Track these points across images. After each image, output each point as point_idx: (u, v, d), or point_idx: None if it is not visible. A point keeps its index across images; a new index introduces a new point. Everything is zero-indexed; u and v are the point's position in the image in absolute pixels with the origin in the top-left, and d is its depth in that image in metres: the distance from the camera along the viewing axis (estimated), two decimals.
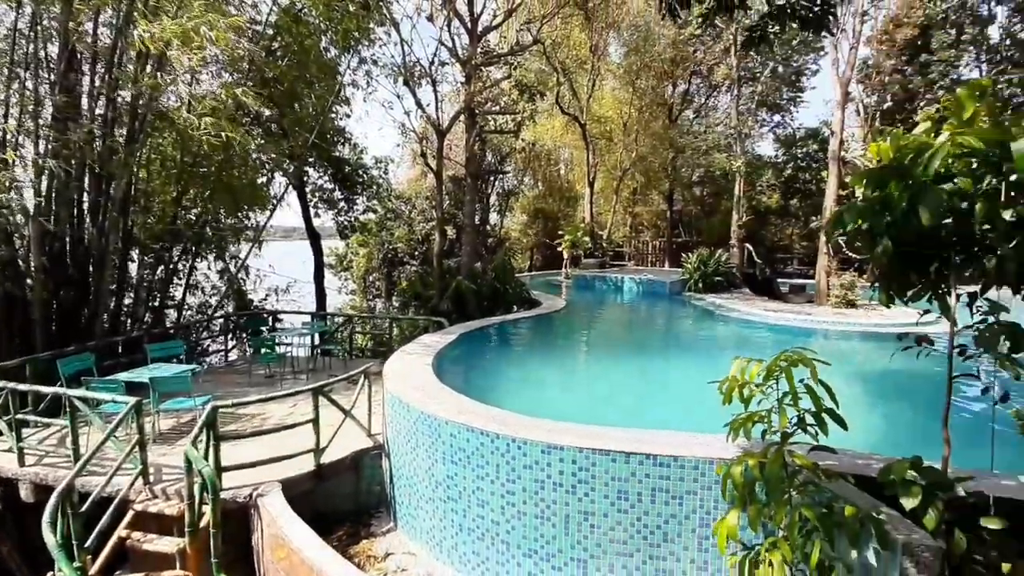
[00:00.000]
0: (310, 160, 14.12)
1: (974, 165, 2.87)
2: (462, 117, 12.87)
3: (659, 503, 3.73)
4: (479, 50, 12.72)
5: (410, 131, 13.34)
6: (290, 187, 13.59)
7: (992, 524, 2.39)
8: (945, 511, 2.43)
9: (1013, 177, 2.73)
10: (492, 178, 22.48)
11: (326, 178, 15.41)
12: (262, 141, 11.27)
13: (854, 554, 2.88)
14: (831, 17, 5.53)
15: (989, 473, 3.25)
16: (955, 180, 2.86)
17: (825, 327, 10.77)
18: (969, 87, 2.94)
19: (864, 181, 3.18)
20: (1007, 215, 2.72)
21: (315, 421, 5.29)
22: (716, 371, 3.21)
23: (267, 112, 11.37)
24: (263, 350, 8.52)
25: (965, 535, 2.44)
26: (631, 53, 21.41)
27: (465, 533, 4.45)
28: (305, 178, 14.76)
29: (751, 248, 18.09)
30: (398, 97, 12.39)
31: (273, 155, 11.27)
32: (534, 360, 9.27)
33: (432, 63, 12.08)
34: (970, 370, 2.89)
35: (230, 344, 11.20)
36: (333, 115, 13.76)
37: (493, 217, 24.62)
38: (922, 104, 19.53)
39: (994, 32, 20.61)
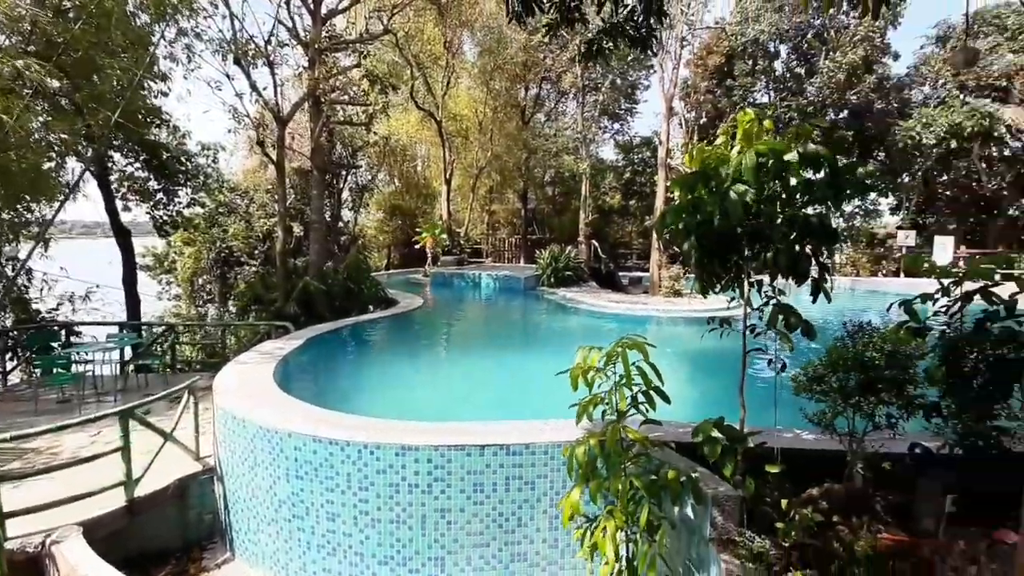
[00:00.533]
0: (115, 143, 11.95)
1: (759, 175, 3.41)
2: (306, 105, 11.97)
3: (513, 490, 3.86)
4: (324, 34, 11.92)
5: (244, 116, 12.00)
6: (89, 174, 11.36)
7: (773, 469, 2.89)
8: (740, 461, 2.88)
9: (793, 181, 3.34)
10: (343, 172, 21.29)
11: (138, 165, 13.13)
12: (49, 118, 9.25)
13: (676, 510, 3.29)
14: (654, 39, 6.20)
15: (774, 429, 3.93)
16: (748, 186, 3.40)
17: (658, 315, 12.21)
18: (751, 111, 3.49)
19: (679, 186, 3.63)
20: (781, 217, 3.32)
21: (124, 449, 4.49)
22: (569, 360, 3.40)
23: (55, 84, 9.35)
24: (55, 370, 7.04)
25: (754, 480, 2.91)
26: (485, 53, 21.92)
27: (314, 551, 4.15)
28: (109, 164, 12.45)
29: (596, 244, 19.73)
30: (228, 77, 11.00)
31: (64, 135, 9.31)
32: (391, 361, 9.02)
33: (268, 42, 11.01)
34: (760, 345, 3.45)
35: (8, 365, 9.05)
36: (145, 92, 11.80)
37: (346, 214, 23.39)
38: (728, 121, 23.12)
39: (779, 66, 25.08)
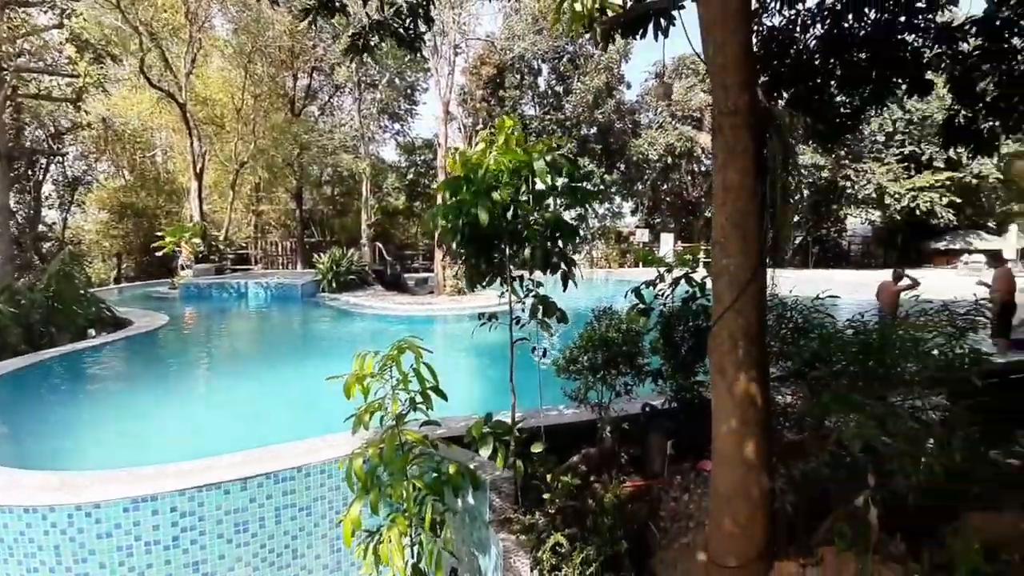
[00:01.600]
0: None
1: (513, 179, 3.69)
2: None
3: (285, 521, 3.46)
4: None
5: None
6: None
7: (536, 448, 3.16)
8: (510, 448, 3.08)
9: (538, 186, 3.69)
10: (42, 160, 16.52)
11: None
12: None
13: (460, 502, 3.37)
14: (422, 42, 6.26)
15: (540, 410, 4.33)
16: (504, 189, 3.65)
17: (444, 314, 12.53)
18: (503, 120, 3.76)
19: (445, 188, 3.71)
20: (534, 216, 3.66)
21: None
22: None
23: None
24: None
25: (524, 462, 3.15)
26: (241, 32, 19.41)
27: None
28: None
29: (381, 246, 19.33)
30: None
31: None
32: (122, 396, 7.24)
33: None
34: (525, 335, 3.73)
35: None
36: None
37: (51, 215, 18.20)
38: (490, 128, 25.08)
39: (542, 83, 28.10)
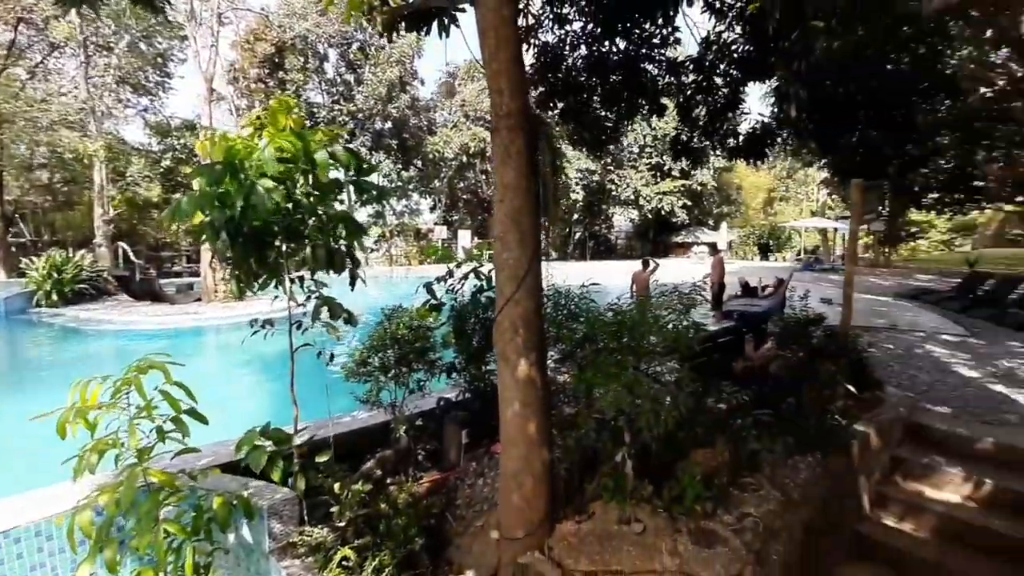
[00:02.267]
0: None
1: (291, 170, 3.35)
2: None
3: None
4: None
5: None
6: None
7: (322, 457, 2.95)
8: (291, 461, 2.81)
9: (320, 182, 3.41)
10: None
11: None
12: None
13: (232, 537, 2.95)
14: (167, 1, 5.27)
15: (331, 419, 4.06)
16: (283, 181, 3.29)
17: (216, 323, 10.86)
18: (279, 102, 3.39)
19: (201, 176, 3.18)
20: (318, 212, 3.38)
21: None
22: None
23: None
24: None
25: (308, 474, 2.90)
26: None
27: None
28: None
29: (126, 247, 15.86)
30: None
31: None
32: None
33: None
34: (309, 340, 3.43)
35: None
36: None
37: None
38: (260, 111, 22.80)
39: (330, 69, 26.37)
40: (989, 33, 9.02)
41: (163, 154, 21.12)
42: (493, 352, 4.59)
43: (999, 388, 5.76)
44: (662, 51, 6.98)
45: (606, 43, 6.83)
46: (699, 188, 35.04)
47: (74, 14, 15.72)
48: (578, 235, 36.58)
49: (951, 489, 4.17)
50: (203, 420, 2.73)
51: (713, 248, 16.30)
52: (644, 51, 6.89)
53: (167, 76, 22.68)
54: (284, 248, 3.37)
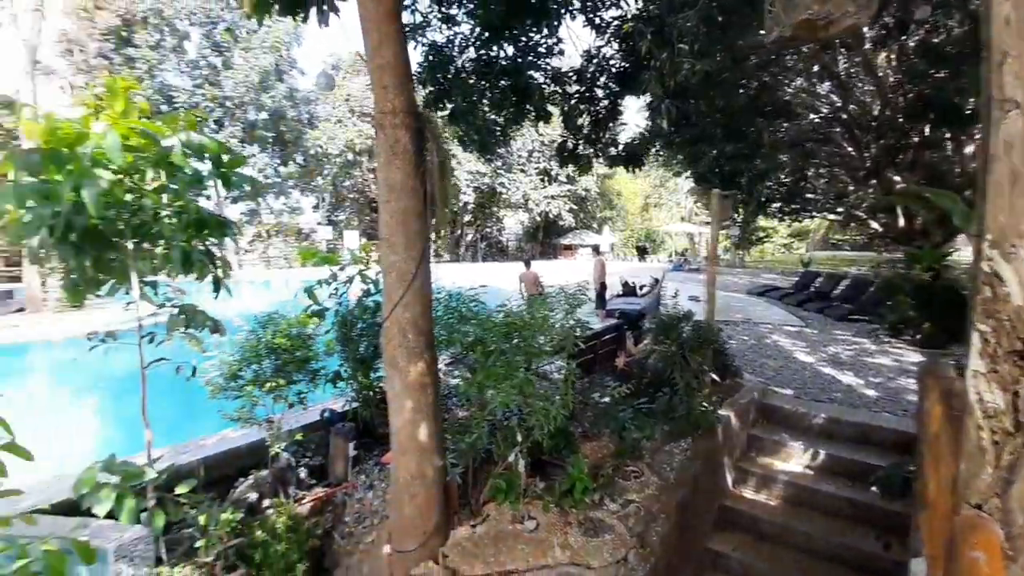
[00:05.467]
0: None
1: (137, 160, 2.93)
2: None
3: None
4: None
5: None
6: None
7: (182, 488, 2.61)
8: (144, 497, 2.45)
9: (184, 171, 3.01)
10: None
11: None
12: None
13: None
14: None
15: (195, 441, 3.64)
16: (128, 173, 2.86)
17: (47, 337, 9.18)
18: (115, 79, 2.95)
19: (16, 164, 2.66)
20: (171, 208, 2.99)
21: None
22: None
23: None
24: None
25: (167, 508, 2.55)
26: None
27: None
28: None
29: None
30: None
31: None
32: None
33: None
34: (163, 355, 3.02)
35: None
36: None
37: None
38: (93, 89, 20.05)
39: (192, 49, 23.65)
40: (816, 68, 10.61)
41: None
42: (382, 359, 4.43)
43: (828, 370, 6.77)
44: (548, 60, 7.23)
45: (494, 47, 6.92)
46: (584, 193, 37.05)
47: None
48: (470, 237, 36.78)
49: (795, 461, 4.81)
50: (26, 456, 2.27)
51: (596, 250, 17.32)
52: (531, 58, 7.09)
53: None
54: (132, 249, 2.94)
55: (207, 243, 3.03)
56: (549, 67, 7.28)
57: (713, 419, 4.59)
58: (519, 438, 3.56)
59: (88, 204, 2.56)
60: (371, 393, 4.22)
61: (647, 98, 6.70)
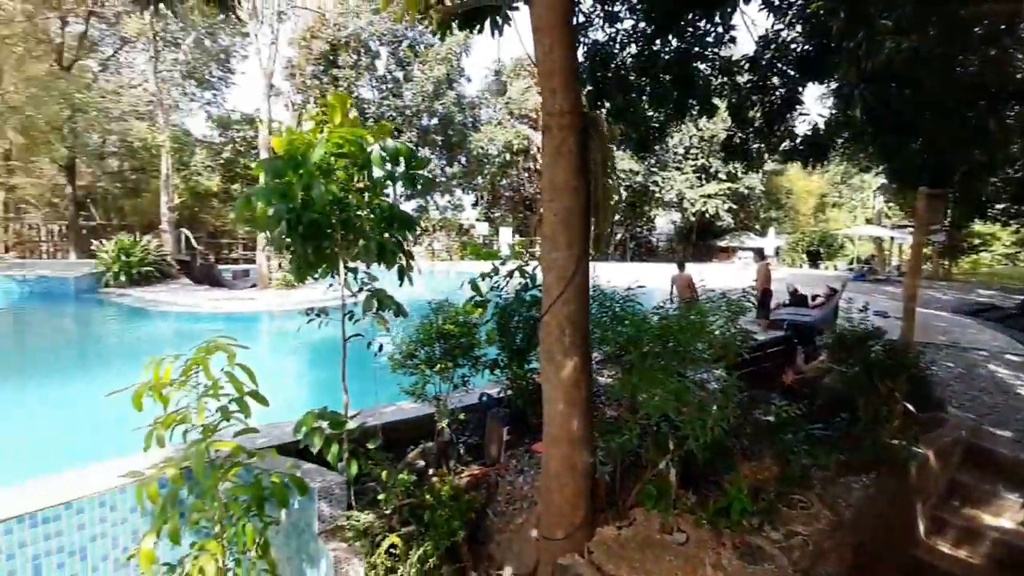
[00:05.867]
0: None
1: (347, 165, 3.46)
2: None
3: (48, 573, 2.79)
4: None
5: None
6: None
7: (371, 445, 3.04)
8: (344, 445, 2.91)
9: (377, 173, 3.50)
10: None
11: None
12: None
13: (284, 515, 3.07)
14: (237, 1, 5.51)
15: (378, 408, 4.17)
16: (336, 175, 3.40)
17: (270, 309, 11.32)
18: (335, 97, 3.49)
19: (264, 169, 3.32)
20: (370, 205, 3.47)
21: None
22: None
23: None
24: None
25: (359, 460, 2.99)
26: None
27: None
28: None
29: (188, 233, 16.71)
30: None
31: None
32: None
33: None
34: (360, 331, 3.53)
35: None
36: None
37: None
38: (320, 107, 23.48)
39: (381, 66, 26.94)
40: None
41: (224, 146, 22.09)
42: (536, 351, 4.61)
43: None
44: (716, 49, 6.80)
45: (657, 41, 6.71)
46: (746, 191, 33.97)
47: (144, 11, 16.60)
48: (618, 236, 36.12)
49: (1009, 516, 3.93)
50: (264, 402, 2.85)
51: (759, 254, 15.79)
52: (697, 50, 6.73)
53: (229, 71, 23.76)
54: (340, 240, 3.47)
55: (396, 237, 3.47)
56: (717, 57, 6.85)
57: (905, 455, 3.94)
58: (671, 446, 3.45)
59: (315, 202, 3.08)
60: (524, 383, 4.42)
61: (833, 84, 5.94)
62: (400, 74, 26.52)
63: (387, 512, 2.87)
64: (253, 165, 3.43)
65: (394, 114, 25.28)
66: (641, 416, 3.39)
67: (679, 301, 9.67)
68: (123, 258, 12.54)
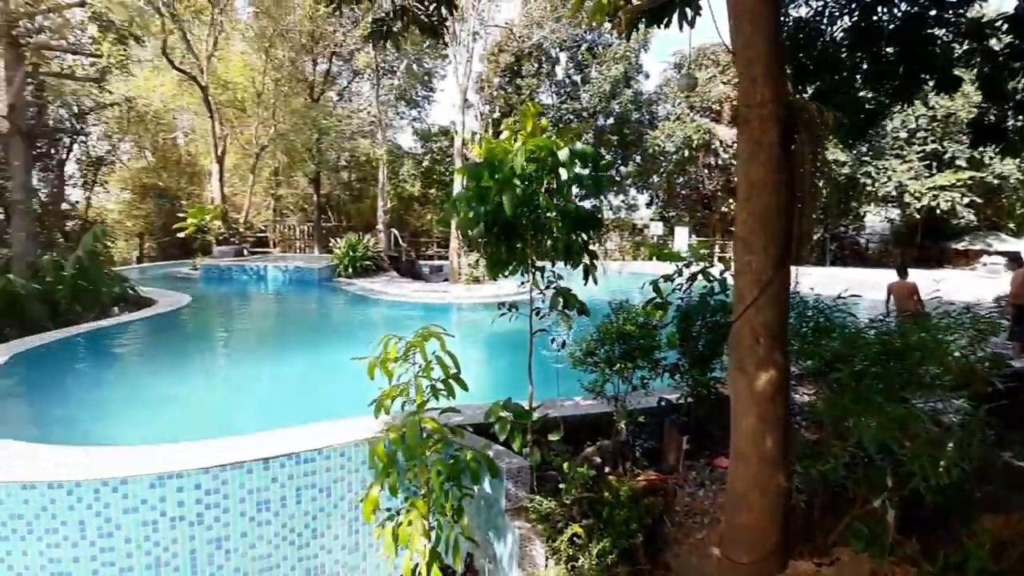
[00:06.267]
0: None
1: (537, 168, 3.68)
2: None
3: (306, 501, 3.54)
4: None
5: None
6: None
7: (553, 437, 3.20)
8: (527, 435, 3.11)
9: (564, 176, 3.68)
10: (65, 139, 16.79)
11: None
12: None
13: (476, 489, 3.41)
14: (445, 29, 6.23)
15: (557, 400, 4.36)
16: (527, 179, 3.65)
17: (459, 302, 12.59)
18: (528, 107, 3.73)
19: (466, 174, 3.71)
20: (556, 207, 3.65)
21: None
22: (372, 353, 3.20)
23: None
24: None
25: (540, 450, 3.18)
26: (262, 15, 19.44)
27: None
28: None
29: (396, 233, 19.39)
30: None
31: None
32: (148, 374, 7.45)
33: None
34: (544, 326, 3.74)
35: None
36: None
37: (75, 193, 18.54)
38: (514, 116, 24.93)
39: (560, 71, 27.82)
40: None
41: (423, 156, 25.18)
42: (719, 359, 4.34)
43: None
44: (960, 11, 5.56)
45: (879, 9, 5.73)
46: (997, 182, 26.65)
47: (370, 45, 19.70)
48: (816, 236, 31.53)
49: None
50: (464, 387, 3.22)
51: (1016, 259, 12.31)
52: (933, 13, 5.57)
53: (431, 90, 27.02)
54: (531, 239, 3.72)
55: (582, 237, 3.59)
56: (962, 19, 5.58)
57: None
58: (889, 483, 2.96)
59: (506, 206, 3.35)
60: (706, 391, 4.20)
61: None
62: (577, 77, 27.00)
63: (567, 502, 3.01)
64: (455, 171, 3.87)
65: (572, 116, 25.84)
66: (851, 444, 2.97)
67: (897, 312, 8.12)
68: (350, 254, 15.21)
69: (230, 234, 17.72)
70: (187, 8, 16.89)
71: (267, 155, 21.57)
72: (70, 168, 17.84)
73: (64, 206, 17.32)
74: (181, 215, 16.82)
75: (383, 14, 5.93)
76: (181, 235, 16.68)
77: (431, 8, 5.78)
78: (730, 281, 3.99)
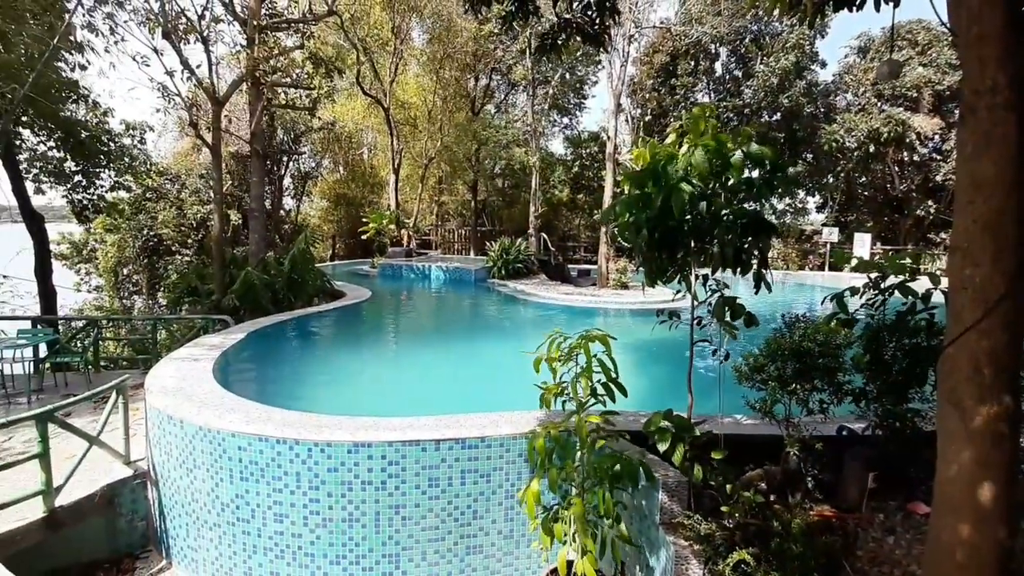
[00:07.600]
0: (23, 119, 10.83)
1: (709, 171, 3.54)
2: (244, 86, 11.33)
3: (468, 484, 3.87)
4: (264, 11, 11.30)
5: (174, 96, 11.18)
6: None
7: (717, 455, 3.04)
8: (688, 449, 3.01)
9: (730, 183, 3.50)
10: (285, 158, 20.38)
11: (51, 144, 11.95)
12: None
13: (629, 497, 3.40)
14: (607, 36, 6.30)
15: (717, 416, 4.13)
16: (692, 183, 3.53)
17: (606, 306, 12.53)
18: (700, 108, 3.61)
19: (629, 181, 3.71)
20: (725, 213, 3.47)
21: (43, 456, 4.12)
22: (525, 351, 3.41)
23: None
24: None
25: (702, 466, 3.05)
26: (434, 41, 21.51)
27: (261, 554, 3.99)
28: (17, 142, 11.29)
29: (546, 237, 19.94)
30: (156, 52, 10.16)
31: None
32: (341, 356, 8.78)
33: (202, 16, 10.30)
34: (706, 336, 3.60)
35: None
36: (60, 64, 10.78)
37: (288, 202, 22.42)
38: (672, 119, 23.88)
39: (719, 67, 26.13)
40: None
41: (573, 162, 25.56)
42: (918, 388, 3.73)
43: None
44: None
45: None
46: None
47: (527, 58, 20.59)
48: None
49: None
50: (623, 391, 3.23)
51: None
52: None
53: (583, 97, 27.32)
54: (692, 246, 3.59)
55: (754, 243, 3.36)
56: None
57: None
58: None
59: (675, 209, 3.28)
60: (900, 424, 3.64)
61: None
62: (739, 72, 24.97)
63: (729, 526, 2.85)
64: (622, 177, 3.88)
65: (732, 115, 24.00)
66: None
67: None
68: (503, 256, 16.09)
69: (403, 237, 19.94)
70: (375, 41, 19.43)
71: (433, 165, 23.77)
72: (286, 182, 21.69)
73: (281, 213, 21.09)
74: (364, 220, 19.33)
75: (548, 27, 6.17)
76: (363, 237, 19.17)
77: (594, 17, 5.88)
78: (934, 299, 3.42)
